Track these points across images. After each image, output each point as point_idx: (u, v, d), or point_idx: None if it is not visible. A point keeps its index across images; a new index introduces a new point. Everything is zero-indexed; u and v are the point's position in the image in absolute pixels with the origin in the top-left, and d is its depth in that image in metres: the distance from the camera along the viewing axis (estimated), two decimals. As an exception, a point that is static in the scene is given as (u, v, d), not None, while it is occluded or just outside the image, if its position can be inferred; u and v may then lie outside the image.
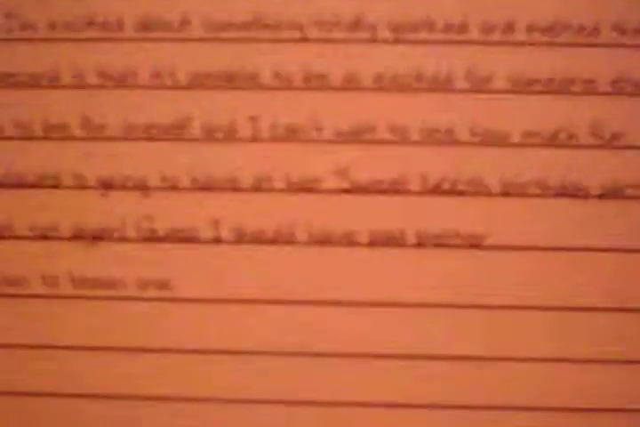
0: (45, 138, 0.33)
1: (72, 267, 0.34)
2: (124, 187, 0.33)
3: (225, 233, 0.33)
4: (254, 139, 0.33)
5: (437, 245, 0.33)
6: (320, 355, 0.33)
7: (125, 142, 0.33)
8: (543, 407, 0.33)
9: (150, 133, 0.33)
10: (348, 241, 0.33)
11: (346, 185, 0.33)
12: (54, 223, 0.33)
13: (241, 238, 0.33)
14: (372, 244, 0.33)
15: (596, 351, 0.33)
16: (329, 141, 0.33)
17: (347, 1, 0.32)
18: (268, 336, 0.33)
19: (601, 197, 0.32)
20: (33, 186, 0.33)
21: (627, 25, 0.32)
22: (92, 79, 0.33)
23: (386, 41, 0.32)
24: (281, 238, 0.33)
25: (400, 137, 0.32)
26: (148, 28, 0.32)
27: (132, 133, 0.33)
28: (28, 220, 0.33)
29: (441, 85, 0.32)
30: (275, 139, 0.33)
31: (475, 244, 0.33)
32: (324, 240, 0.33)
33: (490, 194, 0.32)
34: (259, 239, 0.33)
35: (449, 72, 0.32)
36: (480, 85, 0.32)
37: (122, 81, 0.33)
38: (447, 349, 0.33)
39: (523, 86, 0.32)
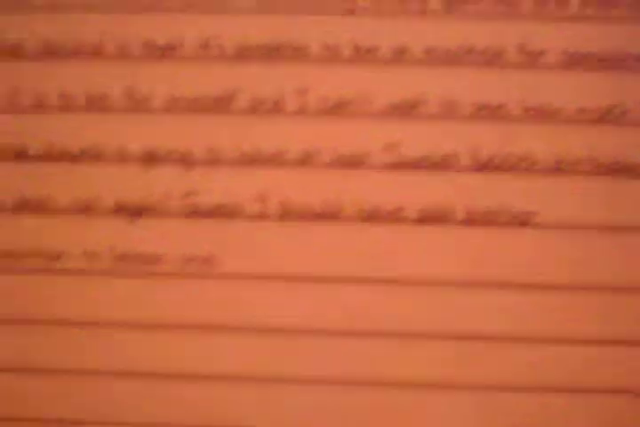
0: (88, 110, 0.33)
1: (113, 242, 0.33)
2: (167, 160, 0.33)
3: (270, 208, 0.32)
4: (302, 112, 0.32)
5: (487, 222, 0.32)
6: (365, 334, 0.33)
7: (170, 115, 0.32)
8: (588, 389, 0.33)
9: (195, 106, 0.32)
10: (396, 217, 0.32)
11: (395, 160, 0.32)
12: (96, 197, 0.33)
13: (287, 214, 0.32)
14: (421, 220, 0.32)
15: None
16: (378, 116, 0.32)
17: (399, -28, 0.32)
18: (312, 314, 0.33)
19: (654, 174, 0.32)
20: (75, 159, 0.33)
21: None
22: (137, 50, 0.32)
23: (436, 13, 0.32)
24: (328, 214, 0.32)
25: (450, 112, 0.32)
26: (196, -2, 0.32)
27: (176, 106, 0.32)
28: (69, 193, 0.33)
29: (492, 59, 0.32)
30: (323, 112, 0.32)
31: (524, 221, 0.32)
32: (371, 216, 0.32)
33: (541, 171, 0.32)
34: (305, 215, 0.32)
35: (501, 46, 0.32)
36: (532, 60, 0.32)
37: (167, 52, 0.32)
38: (494, 328, 0.32)
39: (576, 61, 0.32)
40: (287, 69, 0.32)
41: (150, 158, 0.33)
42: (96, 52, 0.32)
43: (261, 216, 0.32)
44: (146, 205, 0.33)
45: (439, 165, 0.32)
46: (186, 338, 0.33)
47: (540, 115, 0.32)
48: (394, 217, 0.32)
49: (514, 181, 0.32)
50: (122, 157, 0.33)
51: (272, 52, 0.32)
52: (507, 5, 0.32)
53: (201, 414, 0.33)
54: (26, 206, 0.33)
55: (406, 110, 0.32)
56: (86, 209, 0.33)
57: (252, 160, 0.32)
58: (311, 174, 0.32)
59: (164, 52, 0.32)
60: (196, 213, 0.33)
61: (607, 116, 0.32)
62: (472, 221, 0.32)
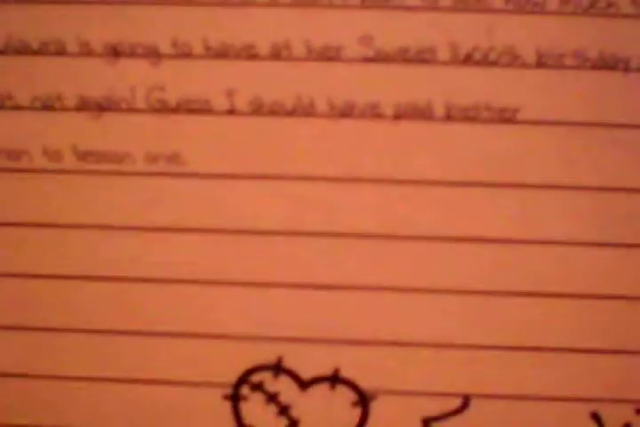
0: (48, 0, 0.31)
1: (76, 139, 0.32)
2: (132, 54, 0.31)
3: (240, 104, 0.31)
4: (273, 3, 0.31)
5: (467, 119, 0.31)
6: (342, 235, 0.31)
7: (135, 5, 0.31)
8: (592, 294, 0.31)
9: (160, -4, 0.31)
10: (372, 113, 0.31)
11: (370, 53, 0.31)
12: (57, 93, 0.31)
13: (257, 110, 0.31)
14: (398, 116, 0.31)
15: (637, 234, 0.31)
16: (352, 6, 0.30)
17: None
18: (285, 215, 0.31)
19: (643, 68, 0.30)
20: (35, 53, 0.31)
21: None
22: (99, -63, 0.31)
23: None
24: (300, 110, 0.31)
25: (429, 2, 0.30)
26: None
27: (140, -4, 0.31)
28: (29, 89, 0.31)
29: (473, -54, 0.30)
30: (295, 3, 0.31)
31: (507, 118, 0.31)
32: (345, 112, 0.31)
33: (524, 65, 0.30)
34: (276, 111, 0.31)
35: None
36: (514, -53, 0.30)
37: (130, -62, 0.31)
38: (476, 230, 0.31)
39: (561, -52, 0.30)
40: (257, -43, 0.30)
41: (114, 52, 0.31)
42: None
43: (231, 112, 0.31)
44: (110, 101, 0.31)
45: (416, 58, 0.31)
46: (153, 240, 0.32)
47: (524, 5, 0.30)
48: (369, 113, 0.31)
49: (496, 75, 0.31)
50: (84, 51, 0.31)
51: (241, -62, 0.30)
52: None
53: (175, 318, 0.32)
54: (-16, 103, 0.32)
55: (382, 1, 0.30)
56: (47, 105, 0.31)
57: (221, 54, 0.31)
58: (282, 68, 0.31)
59: (128, -63, 0.31)
60: (162, 109, 0.31)
61: (594, 8, 0.30)
62: (452, 117, 0.31)
